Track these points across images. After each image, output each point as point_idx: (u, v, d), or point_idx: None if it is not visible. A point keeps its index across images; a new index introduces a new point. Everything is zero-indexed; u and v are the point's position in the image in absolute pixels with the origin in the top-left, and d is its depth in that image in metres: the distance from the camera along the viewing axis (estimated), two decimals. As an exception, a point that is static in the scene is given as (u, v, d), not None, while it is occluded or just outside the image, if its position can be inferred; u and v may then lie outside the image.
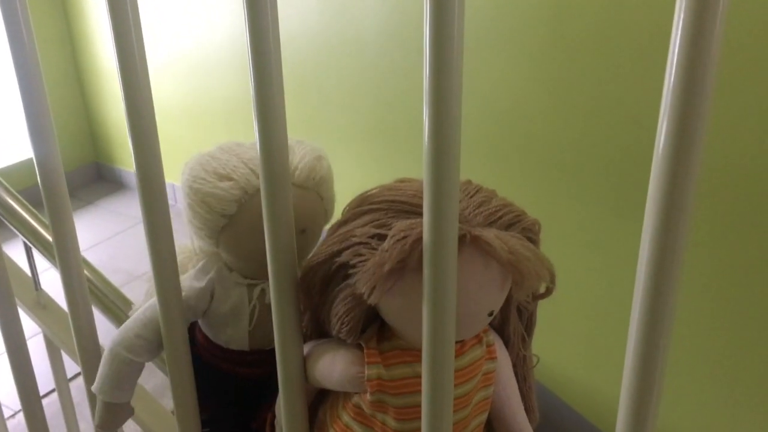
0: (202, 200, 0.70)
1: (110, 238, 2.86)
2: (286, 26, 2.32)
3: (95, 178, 3.42)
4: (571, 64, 1.61)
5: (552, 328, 1.79)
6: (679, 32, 0.31)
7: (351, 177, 1.71)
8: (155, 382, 1.62)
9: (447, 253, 0.43)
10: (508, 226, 0.57)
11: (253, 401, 0.79)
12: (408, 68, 2.02)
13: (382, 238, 0.55)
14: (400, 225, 0.54)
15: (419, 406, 0.51)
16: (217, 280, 0.75)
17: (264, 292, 0.75)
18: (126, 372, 0.76)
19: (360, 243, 0.57)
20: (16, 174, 2.75)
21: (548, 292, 0.64)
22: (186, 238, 0.83)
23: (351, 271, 0.57)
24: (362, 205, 0.60)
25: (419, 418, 0.53)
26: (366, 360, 0.60)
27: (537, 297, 0.66)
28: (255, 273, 0.75)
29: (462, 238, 0.53)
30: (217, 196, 0.69)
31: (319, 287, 0.61)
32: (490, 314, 0.59)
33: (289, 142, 0.75)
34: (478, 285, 0.56)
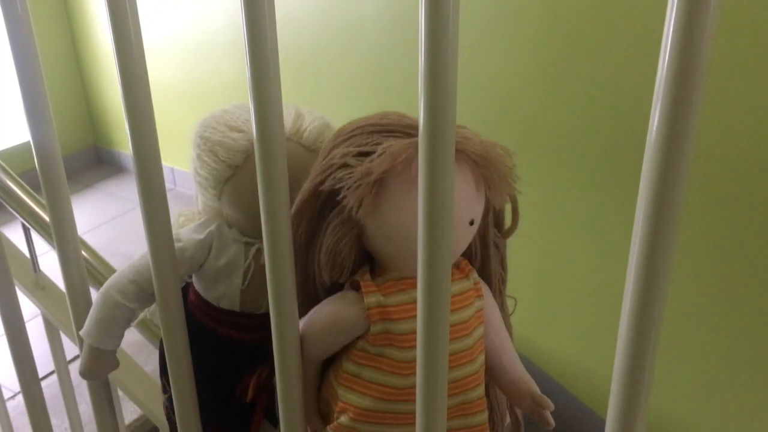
0: (210, 149, 0.72)
1: (109, 221, 2.86)
2: (285, 10, 2.30)
3: (94, 162, 3.41)
4: (569, 51, 1.61)
5: (549, 313, 1.80)
6: (673, 18, 0.31)
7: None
8: (155, 366, 1.63)
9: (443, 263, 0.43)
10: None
11: (240, 368, 0.80)
12: (408, 52, 2.01)
13: (363, 155, 0.58)
14: (389, 143, 0.56)
15: None
16: (216, 235, 0.77)
17: (260, 252, 0.75)
18: (116, 316, 0.77)
19: (342, 165, 0.59)
20: (17, 157, 2.75)
21: (514, 226, 0.67)
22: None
23: (339, 188, 0.58)
24: (337, 139, 0.62)
25: None
26: (363, 291, 0.61)
27: (505, 233, 0.69)
28: (253, 231, 0.75)
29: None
30: (226, 145, 0.71)
31: (306, 232, 0.62)
32: (471, 223, 0.61)
33: (300, 108, 0.76)
34: (457, 188, 0.57)
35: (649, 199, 0.35)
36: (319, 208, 0.62)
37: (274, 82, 0.48)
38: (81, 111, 3.34)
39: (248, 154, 0.70)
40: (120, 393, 1.11)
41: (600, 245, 1.65)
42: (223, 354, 0.81)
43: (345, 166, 0.58)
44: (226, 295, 0.78)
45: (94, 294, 0.87)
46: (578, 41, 1.58)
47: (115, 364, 0.82)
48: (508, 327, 0.73)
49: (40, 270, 1.22)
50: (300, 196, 0.62)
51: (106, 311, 0.77)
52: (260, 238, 0.75)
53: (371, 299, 0.61)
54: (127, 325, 0.80)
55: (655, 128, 0.33)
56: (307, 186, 0.61)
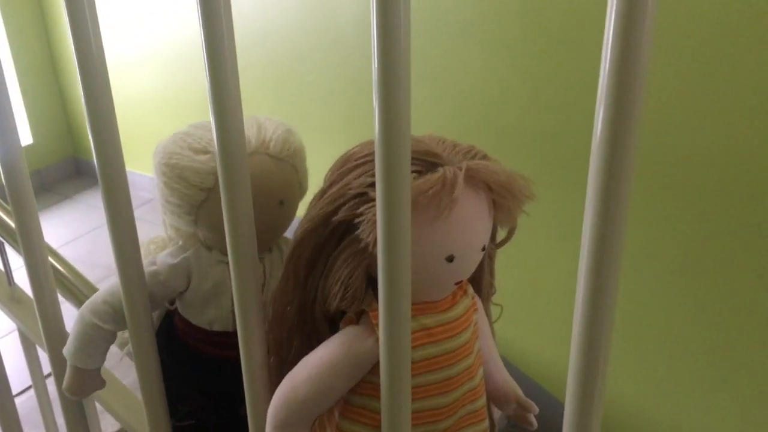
0: (179, 176, 0.70)
1: (89, 232, 2.84)
2: (263, 18, 2.31)
3: (73, 173, 3.39)
4: (547, 58, 1.62)
5: (528, 314, 1.81)
6: (612, 24, 0.32)
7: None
8: (134, 377, 1.61)
9: (401, 257, 0.43)
10: (482, 159, 0.59)
11: (240, 387, 0.79)
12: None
13: None
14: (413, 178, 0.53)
15: (431, 358, 0.56)
16: (194, 260, 0.75)
17: None
18: (92, 337, 0.75)
19: (359, 195, 0.56)
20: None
21: (509, 237, 0.67)
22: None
23: (357, 220, 0.55)
24: (348, 163, 0.59)
25: (433, 370, 0.58)
26: (373, 322, 0.58)
27: (498, 244, 0.69)
28: None
29: (456, 176, 0.55)
30: (195, 170, 0.69)
31: (309, 258, 0.59)
32: (482, 249, 0.60)
33: (259, 118, 0.76)
34: (475, 217, 0.57)
35: (597, 192, 0.36)
36: (326, 237, 0.58)
37: (234, 96, 0.48)
38: (60, 122, 3.31)
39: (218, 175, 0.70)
40: (98, 406, 1.10)
41: (578, 249, 1.66)
42: (223, 376, 0.78)
43: (361, 195, 0.56)
44: (217, 317, 0.77)
45: (66, 305, 0.86)
46: (555, 48, 1.60)
47: (98, 383, 0.80)
48: (492, 332, 0.73)
49: (15, 283, 1.21)
50: (307, 224, 0.58)
51: (81, 331, 0.76)
52: None
53: None
54: (106, 345, 0.78)
55: (599, 132, 0.33)
56: (315, 213, 0.58)
